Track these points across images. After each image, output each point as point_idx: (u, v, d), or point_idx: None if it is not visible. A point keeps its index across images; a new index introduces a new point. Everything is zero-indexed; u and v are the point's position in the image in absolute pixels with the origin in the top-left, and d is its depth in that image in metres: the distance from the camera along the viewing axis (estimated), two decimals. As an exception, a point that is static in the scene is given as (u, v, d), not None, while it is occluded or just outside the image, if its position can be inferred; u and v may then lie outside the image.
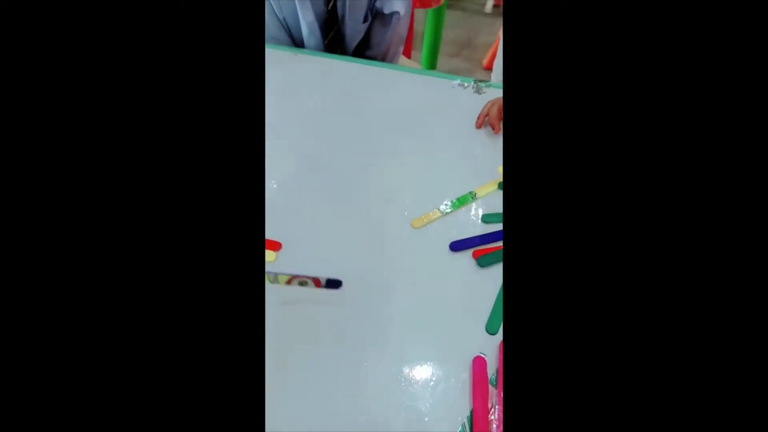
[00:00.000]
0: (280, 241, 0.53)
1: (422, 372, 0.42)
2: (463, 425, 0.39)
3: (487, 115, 0.71)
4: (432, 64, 1.65)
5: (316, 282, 0.45)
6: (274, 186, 0.60)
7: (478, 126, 0.71)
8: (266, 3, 0.85)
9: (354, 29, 0.88)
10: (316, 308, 0.47)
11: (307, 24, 0.85)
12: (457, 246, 0.53)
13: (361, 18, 0.86)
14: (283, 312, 0.47)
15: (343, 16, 0.85)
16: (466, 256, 0.52)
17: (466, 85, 0.79)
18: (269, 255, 0.52)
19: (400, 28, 0.93)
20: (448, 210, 0.57)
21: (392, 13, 0.89)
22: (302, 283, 0.45)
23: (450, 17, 1.53)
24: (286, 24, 0.89)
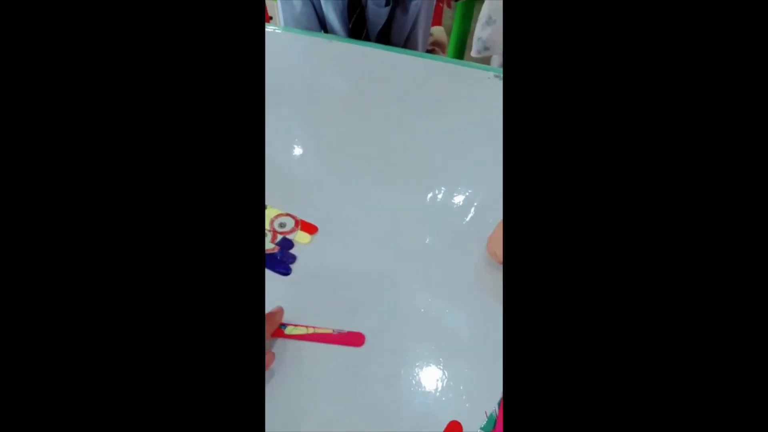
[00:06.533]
0: (317, 224, 0.53)
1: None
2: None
3: None
4: (459, 58, 1.64)
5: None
6: (314, 169, 0.60)
7: None
8: None
9: (376, 13, 0.89)
10: (358, 299, 0.47)
11: (332, 4, 0.87)
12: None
13: (383, 1, 0.88)
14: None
15: None
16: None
17: (501, 76, 0.78)
18: (304, 237, 0.52)
19: (421, 17, 0.94)
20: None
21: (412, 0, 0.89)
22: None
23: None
24: (313, 3, 0.91)
